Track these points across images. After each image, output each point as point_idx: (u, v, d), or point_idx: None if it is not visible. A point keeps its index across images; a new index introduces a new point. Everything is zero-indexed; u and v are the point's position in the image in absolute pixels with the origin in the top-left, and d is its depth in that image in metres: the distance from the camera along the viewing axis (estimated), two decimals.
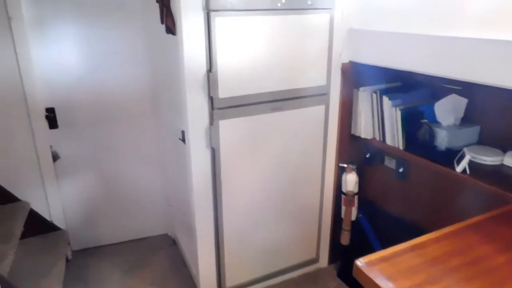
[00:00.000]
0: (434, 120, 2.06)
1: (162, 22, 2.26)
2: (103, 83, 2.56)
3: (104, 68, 2.53)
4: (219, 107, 1.94)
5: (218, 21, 1.81)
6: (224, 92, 1.92)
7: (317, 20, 2.04)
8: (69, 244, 2.81)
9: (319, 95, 2.19)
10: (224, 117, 1.96)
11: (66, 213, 2.77)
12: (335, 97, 2.27)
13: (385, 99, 2.16)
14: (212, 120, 1.96)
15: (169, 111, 2.48)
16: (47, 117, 2.49)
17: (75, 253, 2.88)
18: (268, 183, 2.21)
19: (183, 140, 2.10)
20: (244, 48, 1.90)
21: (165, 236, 3.07)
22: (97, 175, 2.76)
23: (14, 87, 2.33)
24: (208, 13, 1.79)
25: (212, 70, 1.87)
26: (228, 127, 1.98)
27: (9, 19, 2.20)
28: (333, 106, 2.27)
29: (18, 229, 2.26)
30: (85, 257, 2.85)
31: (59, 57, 2.42)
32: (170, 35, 2.10)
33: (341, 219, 2.46)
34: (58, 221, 2.71)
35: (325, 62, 2.14)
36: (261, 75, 1.98)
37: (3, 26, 2.20)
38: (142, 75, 2.63)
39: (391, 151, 2.23)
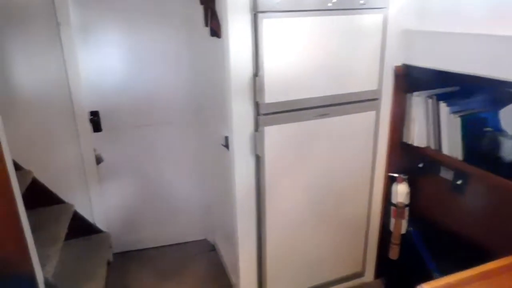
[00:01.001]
0: (498, 129, 1.88)
1: (206, 25, 2.21)
2: (146, 87, 2.55)
3: (147, 72, 2.52)
4: (265, 113, 1.86)
5: (266, 23, 1.73)
6: (270, 97, 1.83)
7: (369, 20, 1.92)
8: (110, 247, 2.82)
9: (370, 100, 2.07)
10: (269, 124, 1.88)
11: (108, 216, 2.78)
12: (387, 103, 2.13)
13: (442, 105, 2.00)
14: (257, 127, 1.88)
15: (211, 116, 2.43)
16: (91, 120, 2.51)
17: (116, 255, 2.89)
18: (313, 192, 2.11)
19: (226, 146, 2.04)
20: (291, 51, 1.81)
21: (204, 241, 3.03)
22: (138, 179, 2.75)
23: (61, 91, 2.35)
24: (255, 14, 1.72)
25: (259, 74, 1.79)
26: (273, 133, 1.90)
27: (58, 24, 2.22)
28: (384, 112, 2.14)
29: (63, 231, 2.28)
30: (125, 260, 2.86)
31: (103, 61, 2.43)
32: (215, 38, 2.05)
33: (390, 232, 2.31)
34: (100, 224, 2.73)
35: (377, 65, 2.01)
36: (309, 79, 1.88)
37: (53, 31, 2.23)
38: (185, 79, 2.59)
39: (448, 162, 2.06)
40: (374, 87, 2.05)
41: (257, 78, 1.79)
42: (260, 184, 1.98)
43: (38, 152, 2.43)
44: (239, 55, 1.76)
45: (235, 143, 1.89)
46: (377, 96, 2.08)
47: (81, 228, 2.66)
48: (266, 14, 1.72)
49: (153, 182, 2.79)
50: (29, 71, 2.27)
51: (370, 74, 2.02)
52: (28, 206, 2.47)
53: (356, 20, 1.90)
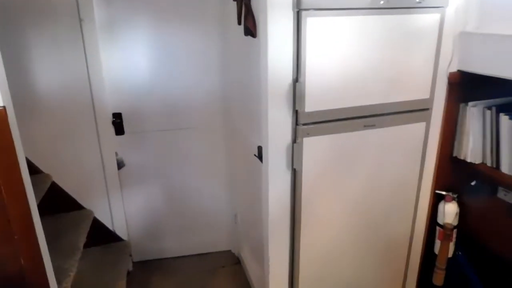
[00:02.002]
0: None
1: (239, 23, 2.02)
2: (172, 89, 2.39)
3: (174, 73, 2.36)
4: (305, 123, 1.66)
5: (310, 22, 1.53)
6: (311, 105, 1.64)
7: (425, 21, 1.70)
8: (130, 255, 2.68)
9: (420, 111, 1.85)
10: (309, 134, 1.68)
11: (129, 223, 2.64)
12: (438, 113, 1.91)
13: (504, 117, 1.77)
14: (295, 138, 1.69)
15: (243, 123, 2.24)
16: (113, 122, 2.37)
17: (136, 264, 2.75)
18: (353, 210, 1.91)
19: (259, 157, 1.85)
20: (337, 54, 1.61)
21: (229, 253, 2.86)
22: (161, 185, 2.60)
23: (82, 91, 2.22)
24: (298, 12, 1.52)
25: (300, 79, 1.60)
26: (313, 146, 1.71)
27: (80, 21, 2.08)
28: (434, 123, 1.92)
29: (81, 241, 2.15)
30: (146, 269, 2.72)
31: (127, 60, 2.28)
32: (249, 38, 1.86)
33: (434, 255, 2.09)
34: (120, 231, 2.59)
35: (430, 71, 1.79)
36: (355, 86, 1.68)
37: (75, 28, 2.08)
38: (215, 81, 2.42)
39: (507, 181, 1.83)
40: (425, 95, 1.83)
41: (297, 84, 1.60)
42: (296, 201, 1.79)
43: (57, 155, 2.30)
44: (277, 58, 1.58)
45: (270, 155, 1.71)
46: (428, 105, 1.86)
47: (100, 235, 2.53)
48: (310, 12, 1.52)
49: (177, 189, 2.64)
50: (50, 70, 2.13)
51: (422, 82, 1.80)
52: (46, 211, 2.37)
53: (410, 21, 1.68)
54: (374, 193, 1.91)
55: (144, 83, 2.35)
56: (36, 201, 2.07)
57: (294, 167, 1.73)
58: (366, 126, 1.76)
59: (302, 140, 1.68)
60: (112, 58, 2.25)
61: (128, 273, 2.66)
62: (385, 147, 1.84)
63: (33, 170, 2.26)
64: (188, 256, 2.82)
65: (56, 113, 2.22)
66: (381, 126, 1.79)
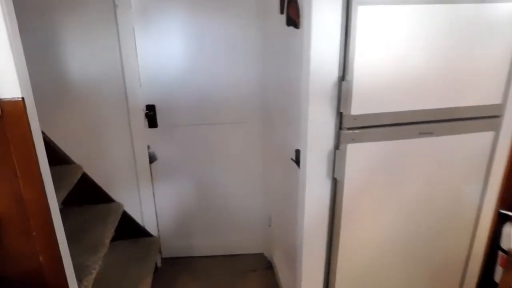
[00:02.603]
0: None
1: (281, 12, 1.83)
2: (208, 81, 2.24)
3: (210, 64, 2.21)
4: (350, 127, 1.45)
5: (361, 11, 1.32)
6: (358, 108, 1.43)
7: (502, 11, 1.43)
8: (160, 252, 2.60)
9: (489, 118, 1.58)
10: (354, 140, 1.47)
11: (159, 219, 2.55)
12: (510, 122, 1.63)
13: None
14: (338, 143, 1.49)
15: (282, 121, 2.06)
16: (146, 115, 2.27)
17: (165, 260, 2.67)
18: (400, 228, 1.68)
19: (297, 162, 1.67)
20: (391, 49, 1.38)
21: (261, 256, 2.70)
22: (194, 182, 2.49)
23: (115, 81, 2.12)
24: (348, 0, 1.31)
25: (346, 78, 1.39)
26: (358, 153, 1.50)
27: (115, 6, 1.97)
28: (506, 133, 1.64)
29: (108, 236, 2.07)
30: (174, 266, 2.63)
31: (163, 50, 2.16)
32: (292, 28, 1.67)
33: (494, 283, 1.82)
34: (150, 227, 2.51)
35: (504, 72, 1.52)
36: (411, 87, 1.44)
37: (108, 14, 1.98)
38: (253, 74, 2.25)
39: None
40: (497, 100, 1.55)
41: (343, 82, 1.40)
42: (336, 213, 1.59)
43: (89, 146, 2.24)
44: (322, 52, 1.37)
45: (308, 161, 1.52)
46: (499, 112, 1.58)
47: (129, 229, 2.46)
48: (362, 0, 1.31)
49: (210, 186, 2.51)
50: (82, 58, 2.05)
51: (494, 84, 1.53)
52: (76, 203, 2.33)
53: (482, 10, 1.42)
54: (427, 209, 1.67)
55: (178, 74, 2.22)
56: (66, 192, 2.02)
57: (335, 176, 1.53)
58: (422, 134, 1.52)
59: (346, 147, 1.48)
60: (147, 47, 2.14)
61: (157, 269, 2.59)
62: (443, 158, 1.59)
63: (65, 160, 2.21)
64: (218, 256, 2.70)
65: (88, 103, 2.15)
66: (440, 134, 1.54)
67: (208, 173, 2.47)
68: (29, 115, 1.31)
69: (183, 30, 2.14)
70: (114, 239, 2.44)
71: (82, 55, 2.04)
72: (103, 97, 2.15)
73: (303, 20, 1.49)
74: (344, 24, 1.35)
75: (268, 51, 2.17)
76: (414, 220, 1.67)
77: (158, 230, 2.57)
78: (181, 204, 2.54)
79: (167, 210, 2.54)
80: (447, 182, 1.64)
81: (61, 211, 2.32)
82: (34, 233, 1.44)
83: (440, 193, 1.66)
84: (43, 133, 2.16)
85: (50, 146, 2.17)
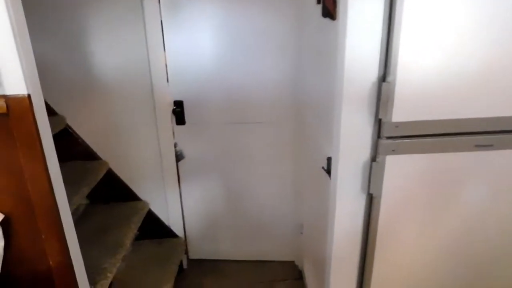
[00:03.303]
0: None
1: (318, 1, 1.64)
2: (239, 77, 2.10)
3: (241, 60, 2.06)
4: (390, 136, 1.25)
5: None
6: (400, 114, 1.22)
7: None
8: (185, 253, 2.51)
9: None
10: (395, 152, 1.26)
11: (186, 219, 2.45)
12: None
13: None
14: (376, 154, 1.28)
15: (314, 124, 1.87)
16: (174, 111, 2.16)
17: (191, 262, 2.58)
18: (445, 256, 1.45)
19: (328, 171, 1.48)
20: (444, 45, 1.16)
21: (292, 265, 2.54)
22: (222, 183, 2.36)
23: (141, 75, 2.03)
24: None
25: (388, 78, 1.18)
26: (399, 166, 1.28)
27: (141, 1, 1.87)
28: None
29: (129, 237, 2.00)
30: (201, 268, 2.53)
31: (192, 43, 2.03)
32: (327, 20, 1.47)
33: None
34: (176, 227, 2.42)
35: None
36: (466, 90, 1.21)
37: (135, 7, 1.88)
38: (287, 71, 2.07)
39: None
40: None
41: (384, 84, 1.19)
42: (370, 232, 1.39)
43: (114, 142, 2.17)
44: (360, 47, 1.18)
45: (340, 172, 1.33)
46: None
47: (154, 229, 2.38)
48: None
49: (239, 188, 2.37)
50: (107, 52, 1.97)
51: None
52: (102, 199, 2.28)
53: None
54: (479, 235, 1.42)
55: (208, 70, 2.09)
56: (89, 188, 1.96)
57: (371, 191, 1.33)
58: (479, 146, 1.28)
59: (385, 159, 1.27)
60: (175, 41, 2.02)
61: (183, 270, 2.50)
62: (504, 176, 1.34)
63: (91, 155, 2.16)
64: (246, 261, 2.57)
65: (114, 99, 2.08)
66: (501, 147, 1.29)
67: (237, 174, 2.34)
68: (36, 112, 1.23)
69: (213, 22, 2.00)
70: (138, 238, 2.38)
71: (108, 50, 1.96)
72: (129, 92, 2.07)
73: (339, 10, 1.29)
74: (387, 15, 1.14)
75: (304, 45, 1.98)
76: (463, 246, 1.43)
77: (185, 231, 2.47)
78: (208, 205, 2.42)
79: (194, 211, 2.44)
80: (507, 204, 1.39)
81: (87, 207, 2.29)
82: (42, 236, 1.37)
83: (498, 215, 1.41)
84: (69, 127, 2.13)
85: (77, 141, 2.13)
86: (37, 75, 1.23)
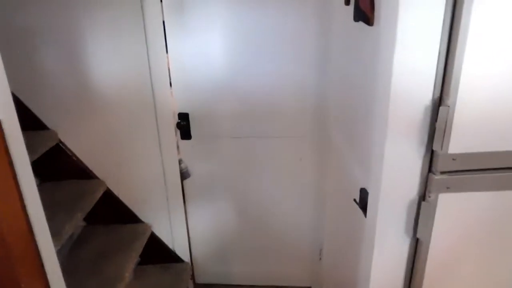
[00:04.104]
0: None
1: (347, 2, 1.40)
2: (253, 87, 1.86)
3: (256, 67, 1.82)
4: (445, 171, 1.01)
5: (479, 5, 0.86)
6: (459, 144, 0.98)
7: None
8: (191, 278, 2.29)
9: None
10: (450, 189, 1.02)
11: (193, 241, 2.23)
12: None
13: None
14: (426, 192, 1.05)
15: (344, 145, 1.63)
16: (178, 124, 1.93)
17: (198, 286, 2.36)
18: None
19: (362, 207, 1.24)
20: None
21: None
22: (233, 202, 2.13)
23: (142, 84, 1.80)
24: None
25: (446, 101, 0.94)
26: (454, 206, 1.05)
27: (141, 0, 1.63)
28: None
29: (128, 268, 1.78)
30: None
31: (199, 49, 1.80)
32: (361, 25, 1.24)
33: None
34: (181, 251, 2.20)
35: None
36: None
37: (135, 7, 1.64)
38: (309, 80, 1.83)
39: None
40: None
41: (441, 108, 0.95)
42: (414, 283, 1.15)
43: (112, 159, 1.95)
44: (411, 62, 0.94)
45: (380, 211, 1.09)
46: None
47: (157, 253, 2.16)
48: None
49: (252, 208, 2.14)
50: (105, 60, 1.75)
51: None
52: (101, 220, 2.06)
53: None
54: None
55: (218, 78, 1.85)
56: (86, 210, 1.74)
57: (418, 236, 1.09)
58: None
59: (437, 197, 1.03)
60: (179, 45, 1.78)
61: None
62: None
63: (87, 174, 1.94)
64: (260, 286, 2.33)
65: (112, 110, 1.85)
66: None
67: (251, 192, 2.10)
68: (8, 140, 1.00)
69: (223, 22, 1.76)
70: (141, 262, 2.16)
71: (106, 57, 1.73)
72: (128, 103, 1.84)
73: (380, 15, 1.05)
74: (449, 21, 0.90)
75: (330, 52, 1.73)
76: None
77: (191, 255, 2.25)
78: (217, 226, 2.20)
79: (202, 232, 2.22)
80: None
81: (84, 229, 2.07)
82: (22, 286, 1.14)
83: None
84: (62, 143, 1.90)
85: (70, 159, 1.91)
86: (10, 97, 1.00)
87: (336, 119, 1.71)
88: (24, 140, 1.07)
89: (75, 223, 1.64)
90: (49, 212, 1.69)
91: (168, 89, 1.83)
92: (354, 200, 1.30)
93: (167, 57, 1.78)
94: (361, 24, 1.24)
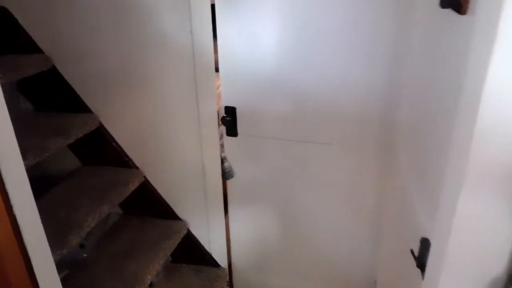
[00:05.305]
0: None
1: None
2: (309, 84, 1.57)
3: (316, 62, 1.52)
4: None
5: None
6: None
7: None
8: (227, 285, 2.10)
9: None
10: None
11: (233, 247, 2.04)
12: None
13: None
14: None
15: (408, 165, 1.28)
16: (223, 119, 1.71)
17: None
18: None
19: (420, 265, 0.91)
20: None
21: None
22: (278, 210, 1.88)
23: (184, 70, 1.61)
24: None
25: None
26: None
27: None
28: None
29: (152, 270, 1.64)
30: None
31: (251, 38, 1.54)
32: (451, 14, 0.88)
33: None
34: (218, 255, 2.01)
35: None
36: None
37: None
38: (377, 82, 1.48)
39: None
40: None
41: None
42: None
43: (151, 151, 1.81)
44: None
45: (444, 282, 0.76)
46: None
47: (191, 254, 2.00)
48: None
49: (298, 218, 1.87)
50: (146, 38, 1.58)
51: None
52: (138, 210, 1.95)
53: None
54: None
55: (270, 71, 1.59)
56: (111, 206, 1.63)
57: None
58: None
59: None
60: (229, 32, 1.55)
61: None
62: None
63: (124, 163, 1.83)
64: None
65: (154, 100, 1.70)
66: None
67: (299, 202, 1.83)
68: None
69: (282, 8, 1.48)
70: (174, 260, 2.02)
71: (146, 33, 1.57)
72: (170, 93, 1.67)
73: (477, 0, 0.71)
74: None
75: (407, 49, 1.37)
76: None
77: (230, 261, 2.05)
78: (261, 234, 1.97)
79: (243, 238, 2.01)
80: None
81: (121, 218, 1.98)
82: None
83: None
84: (103, 127, 1.80)
85: (110, 145, 1.81)
86: None
87: (404, 136, 1.36)
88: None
89: (99, 216, 1.52)
90: (76, 201, 1.61)
91: (214, 80, 1.62)
92: (411, 251, 0.97)
93: (214, 43, 1.56)
94: (449, 12, 0.88)
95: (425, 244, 0.90)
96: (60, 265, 1.53)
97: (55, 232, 1.40)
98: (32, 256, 1.01)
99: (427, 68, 1.12)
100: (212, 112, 1.68)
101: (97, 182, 1.72)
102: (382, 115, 1.52)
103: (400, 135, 1.43)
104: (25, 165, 1.38)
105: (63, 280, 1.55)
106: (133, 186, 1.74)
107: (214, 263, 2.02)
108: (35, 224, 1.02)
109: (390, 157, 1.54)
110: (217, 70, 1.63)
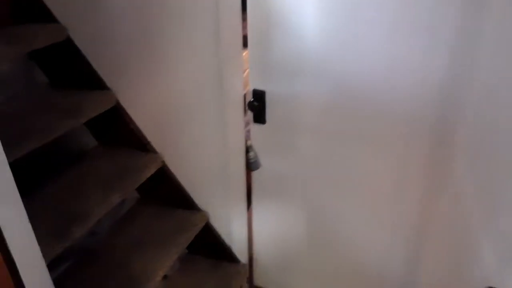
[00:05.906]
0: None
1: None
2: (355, 71, 1.33)
3: (365, 45, 1.28)
4: None
5: None
6: None
7: None
8: (247, 282, 1.96)
9: None
10: None
11: (256, 242, 1.88)
12: None
13: None
14: None
15: (471, 188, 1.03)
16: (251, 104, 1.51)
17: None
18: None
19: None
20: None
21: None
22: (306, 210, 1.70)
23: (206, 45, 1.41)
24: None
25: None
26: None
27: None
28: None
29: (163, 267, 1.52)
30: None
31: (290, 9, 1.32)
32: None
33: None
34: (238, 250, 1.87)
35: None
36: None
37: None
38: (436, 76, 1.23)
39: None
40: None
41: None
42: None
43: (171, 135, 1.65)
44: None
45: None
46: None
47: (211, 247, 1.86)
48: None
49: (328, 222, 1.68)
50: (168, 11, 1.39)
51: None
52: (156, 197, 1.82)
53: None
54: None
55: (309, 52, 1.36)
56: (122, 195, 1.49)
57: None
58: None
59: None
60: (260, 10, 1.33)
61: None
62: None
63: (142, 146, 1.68)
64: None
65: (175, 79, 1.52)
66: None
67: (331, 206, 1.64)
68: None
69: None
70: (191, 252, 1.89)
71: (167, 5, 1.38)
72: (192, 73, 1.48)
73: None
74: None
75: (478, 36, 1.10)
76: None
77: (251, 257, 1.90)
78: (284, 233, 1.80)
79: (266, 234, 1.85)
80: None
81: (136, 204, 1.85)
82: None
83: None
84: (120, 107, 1.65)
85: (127, 126, 1.66)
86: None
87: (466, 147, 1.11)
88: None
89: (107, 206, 1.39)
90: (85, 189, 1.48)
91: (241, 56, 1.42)
92: None
93: (242, 13, 1.35)
94: None
95: None
96: (67, 255, 1.43)
97: (59, 224, 1.28)
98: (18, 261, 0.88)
99: (499, 65, 0.86)
100: (238, 95, 1.49)
101: (110, 166, 1.59)
102: (437, 113, 1.27)
103: (460, 144, 1.18)
104: (28, 147, 1.26)
105: (66, 272, 1.46)
106: (149, 172, 1.60)
107: (234, 258, 1.87)
108: (22, 224, 0.89)
109: (443, 172, 1.29)
110: (245, 45, 1.43)
